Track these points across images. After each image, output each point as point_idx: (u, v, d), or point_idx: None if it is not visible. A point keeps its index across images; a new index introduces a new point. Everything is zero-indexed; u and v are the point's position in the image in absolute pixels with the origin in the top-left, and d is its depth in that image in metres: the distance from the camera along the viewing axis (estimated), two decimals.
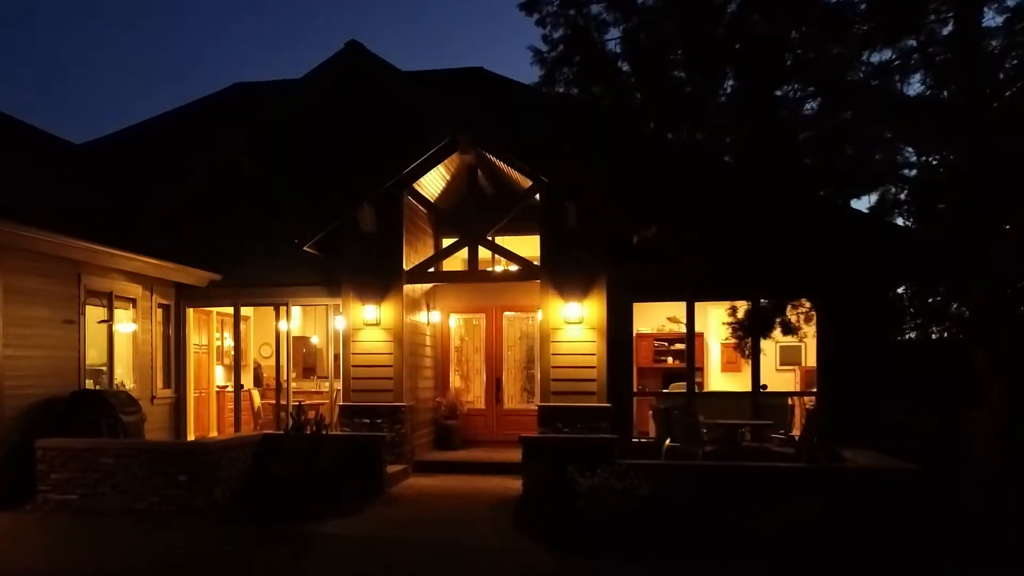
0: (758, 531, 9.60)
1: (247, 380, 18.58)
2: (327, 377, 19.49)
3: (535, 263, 14.60)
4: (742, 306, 12.88)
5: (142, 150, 18.26)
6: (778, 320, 11.95)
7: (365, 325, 14.56)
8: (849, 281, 14.11)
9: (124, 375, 14.65)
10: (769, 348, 16.73)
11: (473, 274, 14.74)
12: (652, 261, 13.65)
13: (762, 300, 13.38)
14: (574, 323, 14.11)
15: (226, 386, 17.77)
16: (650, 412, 15.69)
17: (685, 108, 12.05)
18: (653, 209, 12.59)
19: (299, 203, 15.34)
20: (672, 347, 17.97)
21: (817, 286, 13.77)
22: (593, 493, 10.41)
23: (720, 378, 18.10)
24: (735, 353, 18.03)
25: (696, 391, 16.39)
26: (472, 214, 15.29)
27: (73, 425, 12.11)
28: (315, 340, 20.19)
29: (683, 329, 17.85)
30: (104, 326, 13.80)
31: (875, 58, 11.21)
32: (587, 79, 12.38)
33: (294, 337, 16.23)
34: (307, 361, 20.63)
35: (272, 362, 18.96)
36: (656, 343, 17.85)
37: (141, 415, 13.14)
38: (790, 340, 14.25)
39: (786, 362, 17.60)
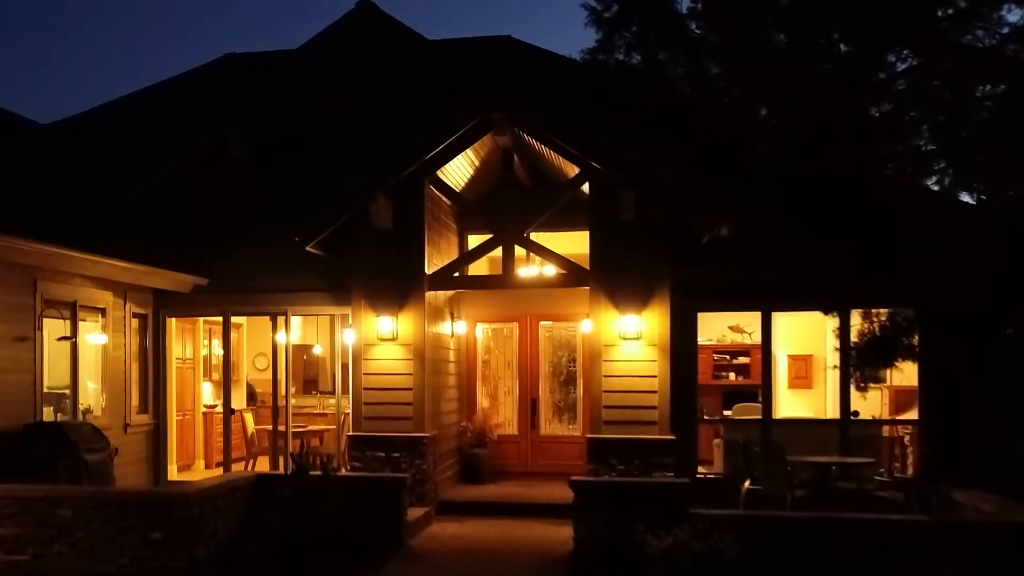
0: None
1: (239, 398, 16.75)
2: (331, 392, 17.64)
3: (583, 266, 12.70)
4: (856, 322, 10.85)
5: (119, 130, 16.33)
6: (904, 341, 10.03)
7: (380, 340, 12.67)
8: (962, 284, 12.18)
9: (92, 399, 12.80)
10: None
11: (509, 279, 12.84)
12: (724, 263, 11.89)
13: (853, 310, 11.71)
14: (631, 339, 12.23)
15: (215, 406, 15.90)
16: (714, 442, 13.80)
17: (774, 79, 10.18)
18: (731, 201, 10.75)
19: (300, 192, 13.46)
20: (734, 361, 16.08)
21: (922, 291, 11.88)
22: (669, 558, 8.86)
23: (788, 397, 16.20)
24: (804, 366, 16.35)
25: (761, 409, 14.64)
26: (506, 207, 13.37)
27: (25, 467, 10.31)
28: (317, 350, 18.31)
29: (746, 340, 16.13)
30: (66, 342, 11.90)
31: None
32: (653, 43, 10.55)
33: (294, 346, 14.34)
34: (308, 372, 18.80)
35: (268, 375, 17.07)
36: (715, 356, 15.94)
37: (109, 452, 11.29)
38: None
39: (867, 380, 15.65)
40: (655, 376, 12.19)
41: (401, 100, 13.35)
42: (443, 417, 13.57)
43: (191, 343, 15.68)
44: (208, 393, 16.23)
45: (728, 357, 16.06)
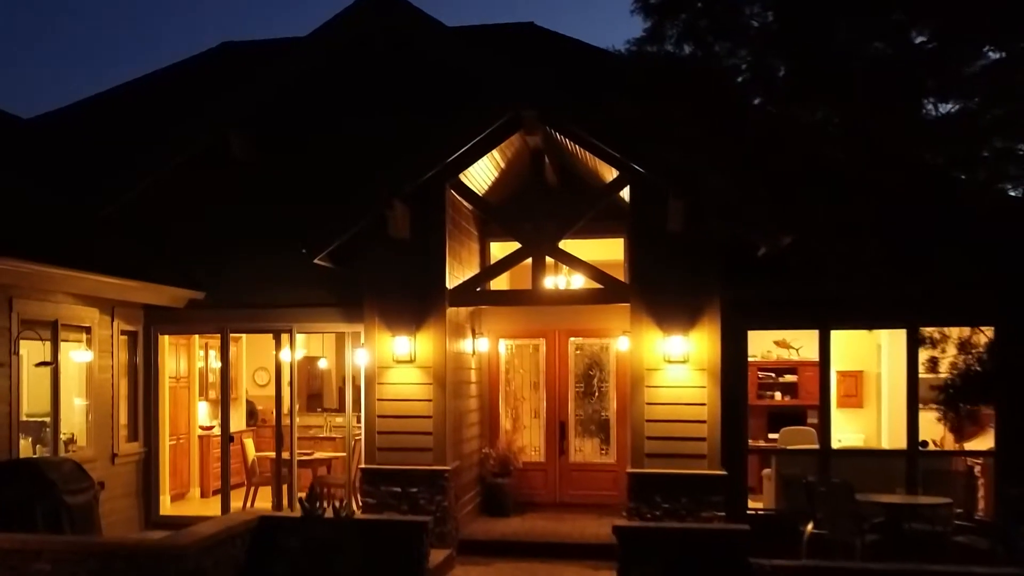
0: None
1: (238, 417, 15.73)
2: (338, 410, 16.66)
3: (621, 280, 11.67)
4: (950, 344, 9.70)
5: (107, 125, 15.25)
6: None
7: (396, 363, 11.64)
8: None
9: (75, 427, 11.78)
10: (901, 379, 13.83)
11: (539, 295, 11.79)
12: (777, 276, 10.92)
13: (923, 328, 10.63)
14: (677, 362, 11.19)
15: (212, 427, 14.88)
16: (763, 472, 12.75)
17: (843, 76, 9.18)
18: (799, 211, 9.75)
19: (307, 196, 12.41)
20: (780, 379, 15.02)
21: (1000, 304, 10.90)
22: None
23: (837, 417, 15.07)
24: (854, 384, 15.31)
25: (818, 438, 13.62)
26: (534, 212, 12.34)
27: None
28: (323, 364, 17.27)
29: (792, 356, 15.12)
30: (46, 365, 10.87)
31: None
32: (708, 32, 9.55)
33: (297, 360, 13.27)
34: (312, 386, 17.78)
35: (269, 391, 16.08)
36: (759, 374, 14.89)
37: (94, 492, 10.25)
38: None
39: (926, 399, 14.61)
40: (704, 404, 11.16)
41: (419, 95, 12.29)
42: (464, 445, 12.54)
43: (186, 358, 14.63)
44: (204, 413, 15.19)
45: (773, 375, 15.01)
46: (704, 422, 11.16)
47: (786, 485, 11.59)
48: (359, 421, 12.43)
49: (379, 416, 11.72)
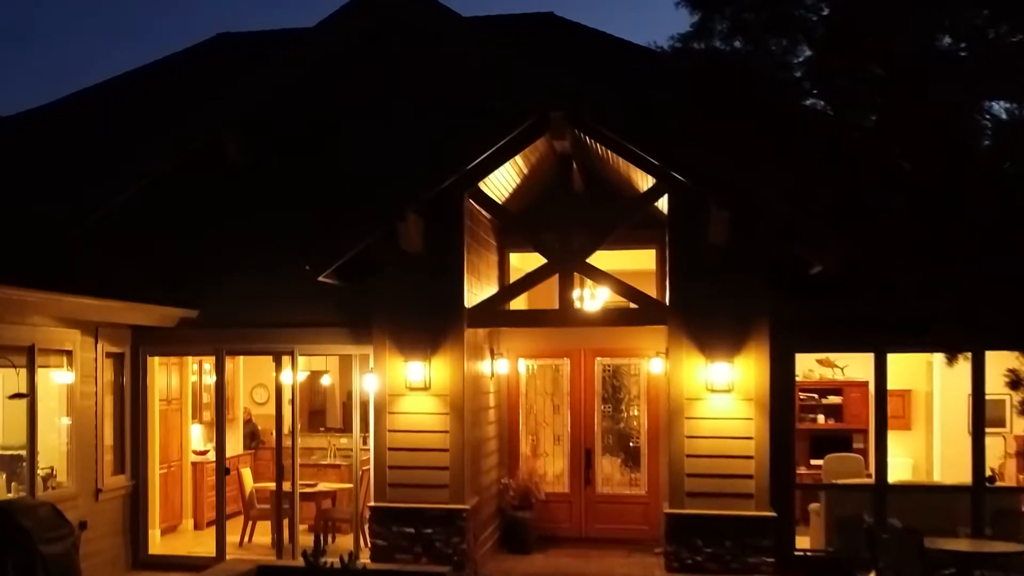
0: None
1: (235, 440, 14.82)
2: (342, 430, 15.75)
3: (657, 299, 10.75)
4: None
5: (94, 123, 14.30)
6: None
7: (409, 390, 10.71)
8: None
9: (55, 459, 10.82)
10: (956, 401, 12.95)
11: (567, 315, 10.86)
12: (827, 294, 10.24)
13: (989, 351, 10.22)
14: (721, 391, 10.27)
15: (206, 451, 13.93)
16: (811, 507, 11.81)
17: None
18: (863, 226, 8.85)
19: (311, 204, 11.46)
20: (823, 400, 14.07)
21: None
22: None
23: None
24: (900, 404, 14.38)
25: (873, 470, 12.75)
26: (559, 222, 11.42)
27: None
28: (326, 381, 16.33)
29: (837, 376, 14.21)
30: (20, 398, 9.93)
31: None
32: (761, 28, 8.65)
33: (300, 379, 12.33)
34: (314, 402, 16.84)
35: (269, 410, 15.19)
36: (802, 395, 13.91)
37: (74, 538, 9.31)
38: (991, 390, 10.60)
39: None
40: (751, 438, 10.24)
41: (435, 93, 11.30)
42: (482, 477, 11.61)
43: (178, 375, 13.69)
44: (198, 437, 14.24)
45: (816, 396, 14.07)
46: (751, 458, 10.24)
47: (840, 526, 10.68)
48: (366, 443, 11.52)
49: (390, 448, 10.79)
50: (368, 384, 11.09)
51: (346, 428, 15.82)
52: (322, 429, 16.22)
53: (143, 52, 23.13)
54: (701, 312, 10.34)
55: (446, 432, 10.64)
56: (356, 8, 11.21)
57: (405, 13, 11.24)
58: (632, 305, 10.77)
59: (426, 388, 10.66)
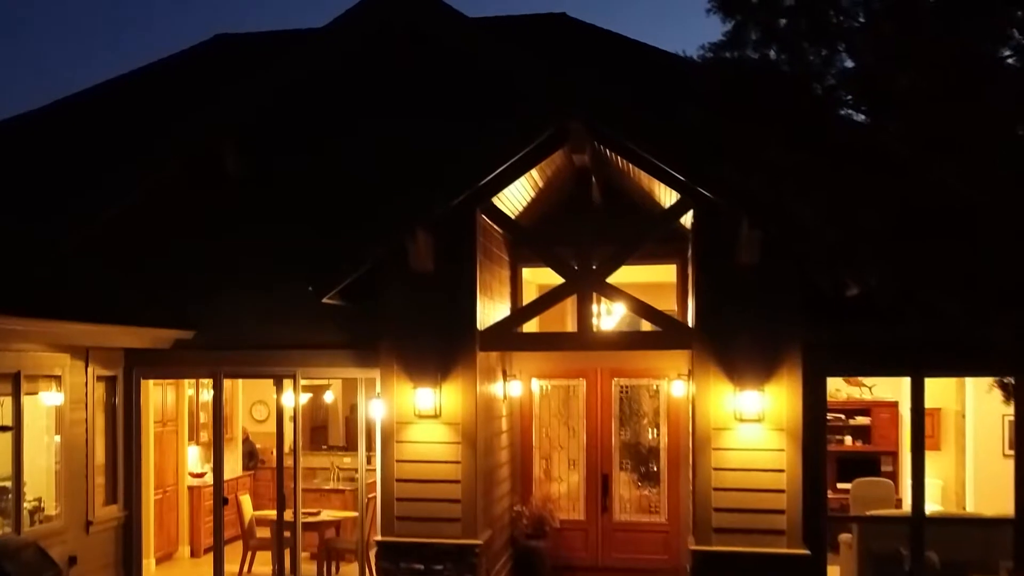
0: None
1: (233, 460, 14.27)
2: (345, 448, 15.21)
3: (682, 322, 10.17)
4: None
5: (86, 131, 13.68)
6: None
7: (418, 418, 10.13)
8: None
9: (43, 489, 10.28)
10: (983, 420, 12.42)
11: (586, 338, 10.25)
12: (860, 316, 9.53)
13: None
14: (751, 421, 9.67)
15: (203, 474, 13.37)
16: (841, 538, 11.23)
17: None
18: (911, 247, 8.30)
19: (314, 218, 10.92)
20: (850, 421, 13.50)
21: None
22: None
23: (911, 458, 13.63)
24: (930, 423, 13.77)
25: (893, 492, 12.29)
26: (575, 237, 10.74)
27: None
28: (328, 397, 15.76)
29: (865, 396, 13.64)
30: (5, 431, 9.35)
31: None
32: (797, 35, 8.11)
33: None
34: (316, 418, 16.29)
35: (268, 427, 14.71)
36: (828, 416, 13.32)
37: None
38: None
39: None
40: (782, 470, 9.65)
41: (446, 100, 10.74)
42: (495, 506, 11.05)
43: (174, 393, 13.09)
44: (195, 458, 13.66)
45: (843, 417, 13.49)
46: (782, 492, 9.65)
47: (876, 561, 10.12)
48: (371, 463, 11.00)
49: (398, 480, 10.21)
50: (374, 410, 10.52)
51: (349, 446, 15.29)
52: (324, 447, 15.68)
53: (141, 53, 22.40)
54: (729, 336, 9.75)
55: (457, 463, 10.05)
56: (362, 11, 10.60)
57: (413, 15, 10.64)
58: (655, 327, 10.17)
59: (436, 416, 10.08)
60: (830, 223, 8.62)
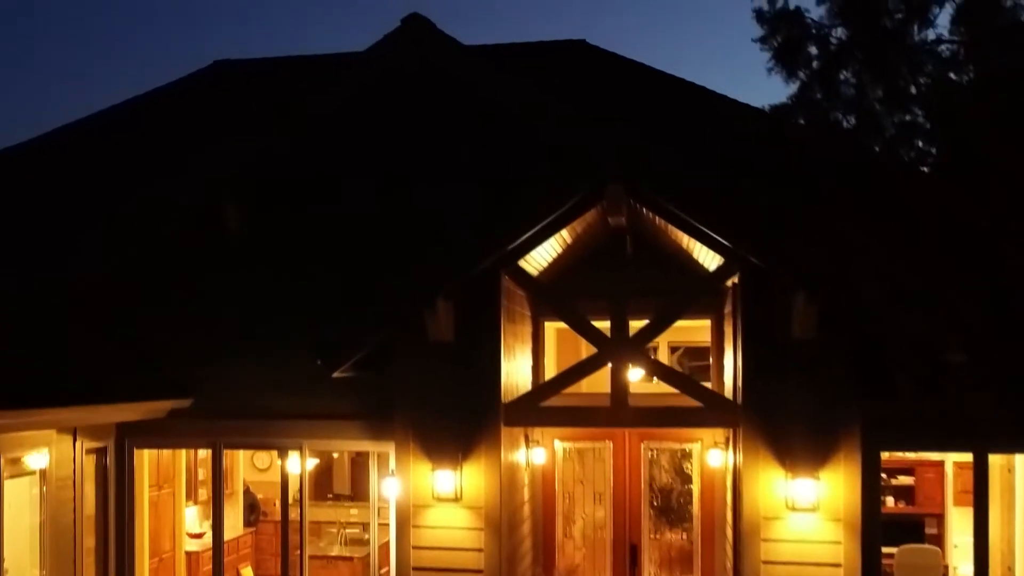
0: None
1: (234, 514, 13.40)
2: (352, 498, 14.37)
3: (727, 398, 9.29)
4: None
5: (79, 164, 12.85)
6: None
7: (437, 501, 9.25)
8: None
9: (28, 569, 9.38)
10: None
11: (623, 414, 9.33)
12: (929, 391, 8.71)
13: None
14: (805, 510, 8.78)
15: (202, 534, 12.50)
16: None
17: None
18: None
19: (322, 275, 10.05)
20: (892, 481, 12.63)
21: None
22: None
23: (956, 517, 12.85)
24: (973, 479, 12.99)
25: (940, 560, 11.45)
26: (607, 293, 9.79)
27: None
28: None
29: (908, 455, 12.77)
30: None
31: None
32: (873, 100, 7.33)
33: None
34: (320, 463, 15.34)
35: (271, 476, 13.92)
36: None
37: None
38: None
39: None
40: (839, 565, 8.79)
41: (467, 148, 9.83)
42: None
43: (170, 452, 12.16)
44: (193, 518, 12.78)
45: (885, 476, 12.58)
46: None
47: None
48: (379, 515, 10.25)
49: (415, 568, 9.33)
50: (388, 489, 9.62)
51: (355, 495, 14.46)
52: (329, 496, 14.77)
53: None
54: (780, 415, 8.86)
55: (480, 551, 9.18)
56: (376, 55, 9.70)
57: (433, 59, 9.74)
58: (695, 403, 9.27)
59: (457, 500, 9.19)
60: (902, 301, 7.79)
